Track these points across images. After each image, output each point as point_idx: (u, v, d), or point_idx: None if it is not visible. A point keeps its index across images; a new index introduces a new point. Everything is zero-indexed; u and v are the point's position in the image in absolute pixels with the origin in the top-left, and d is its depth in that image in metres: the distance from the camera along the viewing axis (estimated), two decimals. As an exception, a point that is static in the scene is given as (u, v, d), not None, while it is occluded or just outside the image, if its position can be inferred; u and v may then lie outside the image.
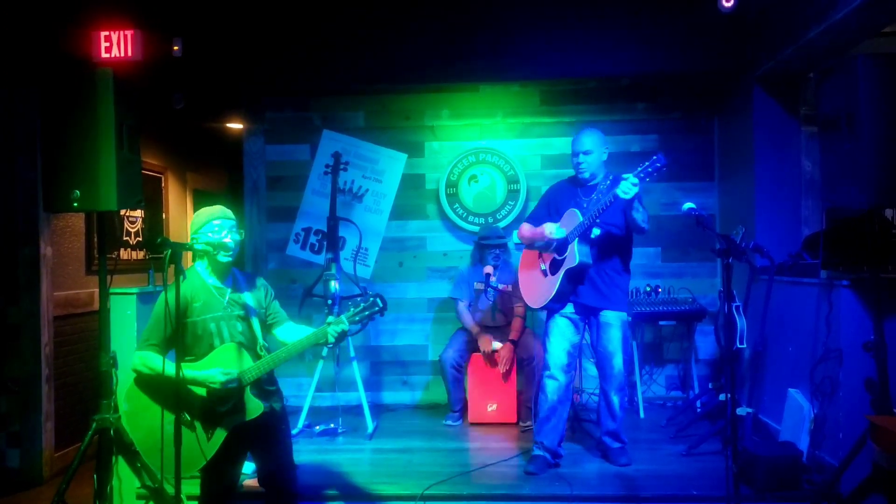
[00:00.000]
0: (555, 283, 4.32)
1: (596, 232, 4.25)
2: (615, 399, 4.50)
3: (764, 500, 3.92)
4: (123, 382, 3.61)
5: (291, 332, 3.53)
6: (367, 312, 3.36)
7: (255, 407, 3.29)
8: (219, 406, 3.26)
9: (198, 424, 3.26)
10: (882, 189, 3.51)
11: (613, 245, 4.37)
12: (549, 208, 4.56)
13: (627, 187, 3.90)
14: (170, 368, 3.10)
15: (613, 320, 4.40)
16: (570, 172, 6.22)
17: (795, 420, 4.45)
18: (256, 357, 3.34)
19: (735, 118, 5.89)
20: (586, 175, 4.42)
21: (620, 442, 4.59)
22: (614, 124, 6.36)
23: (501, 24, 5.63)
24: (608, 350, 4.43)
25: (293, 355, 3.38)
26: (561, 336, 4.45)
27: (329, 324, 3.33)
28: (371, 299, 3.37)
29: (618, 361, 4.43)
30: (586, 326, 4.54)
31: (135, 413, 3.37)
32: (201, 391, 3.26)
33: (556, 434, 4.49)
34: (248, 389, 3.28)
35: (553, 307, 4.45)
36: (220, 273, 3.43)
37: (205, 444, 3.24)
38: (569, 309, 4.45)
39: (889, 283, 3.80)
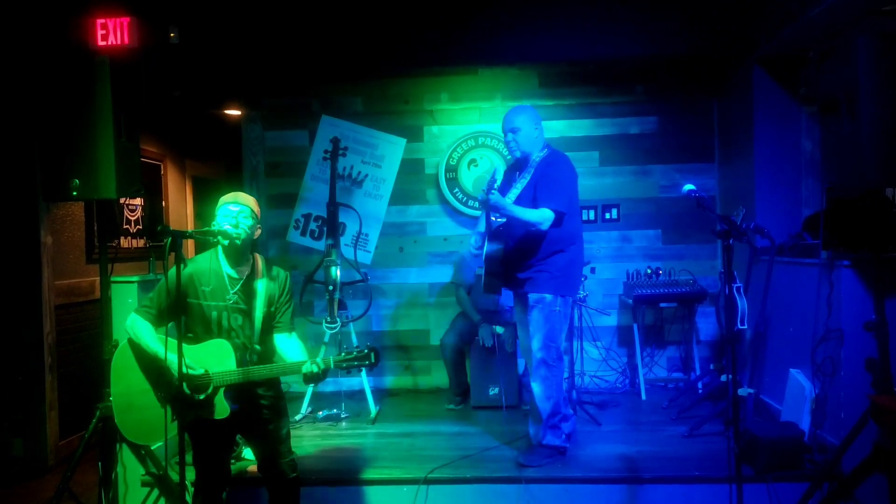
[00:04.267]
0: (482, 273, 4.35)
1: (495, 224, 4.24)
2: (536, 388, 4.28)
3: (766, 480, 3.93)
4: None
5: (287, 346, 3.50)
6: (355, 363, 3.35)
7: (221, 409, 3.27)
8: (188, 396, 3.26)
9: (167, 403, 3.29)
10: (882, 169, 3.50)
11: (527, 234, 4.20)
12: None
13: (481, 198, 4.06)
14: (151, 341, 3.24)
15: (534, 302, 4.24)
16: (569, 155, 6.23)
17: (797, 400, 4.46)
18: (243, 362, 3.33)
19: (735, 99, 5.87)
20: (517, 154, 4.36)
21: (539, 441, 4.34)
22: (613, 106, 6.35)
23: (500, 6, 5.60)
24: (529, 331, 4.30)
25: (273, 377, 3.40)
26: (519, 324, 4.49)
27: (320, 361, 3.30)
28: (366, 352, 3.35)
29: (535, 344, 4.24)
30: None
31: (120, 368, 3.42)
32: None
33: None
34: (221, 391, 3.27)
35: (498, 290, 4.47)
36: (234, 259, 3.41)
37: (169, 422, 3.25)
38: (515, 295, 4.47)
39: (890, 263, 3.79)
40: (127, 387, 3.37)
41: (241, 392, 3.35)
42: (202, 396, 3.25)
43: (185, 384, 3.20)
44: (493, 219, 4.27)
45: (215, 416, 3.27)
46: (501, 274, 4.28)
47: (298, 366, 3.32)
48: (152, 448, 4.01)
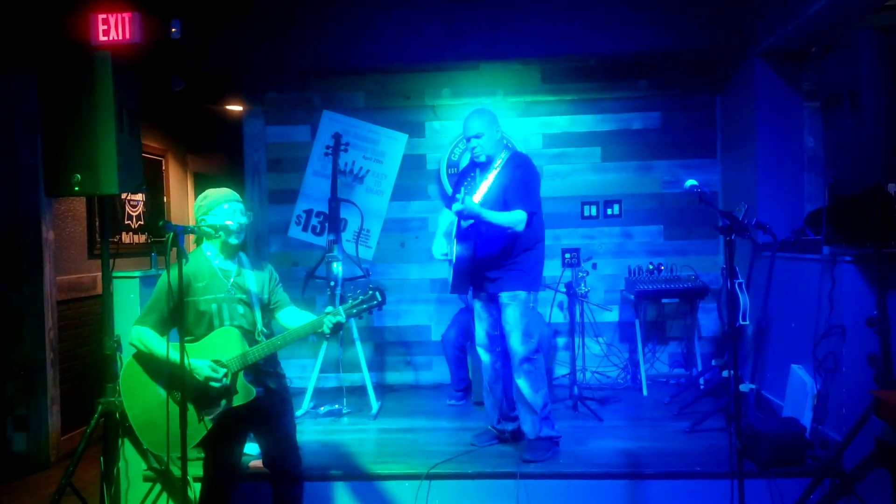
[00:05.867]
0: (450, 273, 4.37)
1: (464, 224, 4.28)
2: (522, 384, 4.30)
3: (768, 475, 3.94)
4: (125, 359, 3.62)
5: (293, 317, 3.54)
6: (364, 306, 3.34)
7: (247, 392, 3.29)
8: (210, 390, 3.26)
9: (190, 405, 3.26)
10: (884, 164, 3.49)
11: (497, 235, 4.23)
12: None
13: (456, 208, 4.05)
14: (163, 348, 3.11)
15: (507, 300, 4.27)
16: (572, 151, 6.22)
17: (798, 396, 4.46)
18: (254, 342, 3.35)
19: (737, 94, 5.86)
20: (482, 158, 4.38)
21: (537, 435, 4.34)
22: (616, 102, 6.33)
23: (502, 1, 5.60)
24: (505, 330, 4.34)
25: (289, 343, 3.37)
26: (478, 318, 4.53)
27: (327, 314, 3.33)
28: (370, 292, 3.35)
29: (514, 340, 4.27)
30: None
31: (131, 389, 3.39)
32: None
33: (494, 412, 4.59)
34: (241, 374, 3.29)
35: (469, 291, 4.52)
36: (227, 254, 3.43)
37: (195, 424, 3.24)
38: (482, 293, 4.48)
39: (892, 259, 3.78)
40: (144, 405, 3.35)
41: (258, 381, 3.36)
42: (225, 380, 3.24)
43: (201, 374, 3.21)
44: (462, 223, 4.30)
45: (239, 401, 3.28)
46: (470, 274, 4.33)
47: (318, 323, 3.33)
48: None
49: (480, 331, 4.53)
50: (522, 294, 4.28)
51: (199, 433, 3.27)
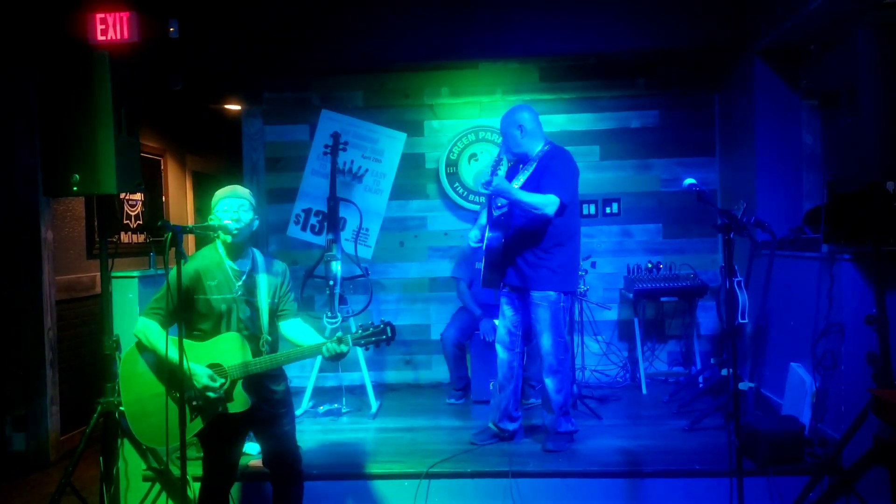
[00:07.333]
0: (481, 266, 4.39)
1: (496, 213, 4.33)
2: (548, 383, 4.35)
3: (766, 473, 3.94)
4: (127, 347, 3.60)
5: (296, 331, 3.49)
6: (373, 338, 3.33)
7: (242, 402, 3.27)
8: (207, 392, 3.25)
9: (186, 405, 3.25)
10: (883, 162, 3.49)
11: (529, 224, 4.27)
12: None
13: (489, 188, 4.12)
14: (164, 346, 3.09)
15: (539, 300, 4.30)
16: (570, 149, 6.25)
17: (797, 394, 4.46)
18: (257, 352, 3.32)
19: (736, 92, 5.86)
20: (510, 155, 4.46)
21: (556, 431, 4.42)
22: (614, 100, 6.33)
23: (500, 0, 5.60)
24: (536, 330, 4.37)
25: (293, 362, 3.38)
26: (502, 314, 4.53)
27: (337, 339, 3.29)
28: (382, 326, 3.33)
29: (545, 342, 4.30)
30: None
31: (129, 376, 3.37)
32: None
33: (497, 411, 4.58)
34: (239, 383, 3.27)
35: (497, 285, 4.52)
36: (234, 253, 3.38)
37: (188, 422, 3.22)
38: (507, 288, 4.49)
39: (890, 257, 3.78)
40: (139, 393, 3.33)
41: (256, 385, 3.34)
42: (221, 391, 3.23)
43: (199, 382, 3.18)
44: (494, 211, 4.33)
45: (237, 408, 3.26)
46: (500, 266, 4.33)
47: (319, 347, 3.31)
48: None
49: (502, 328, 4.53)
50: (553, 294, 4.29)
51: (192, 429, 3.26)
